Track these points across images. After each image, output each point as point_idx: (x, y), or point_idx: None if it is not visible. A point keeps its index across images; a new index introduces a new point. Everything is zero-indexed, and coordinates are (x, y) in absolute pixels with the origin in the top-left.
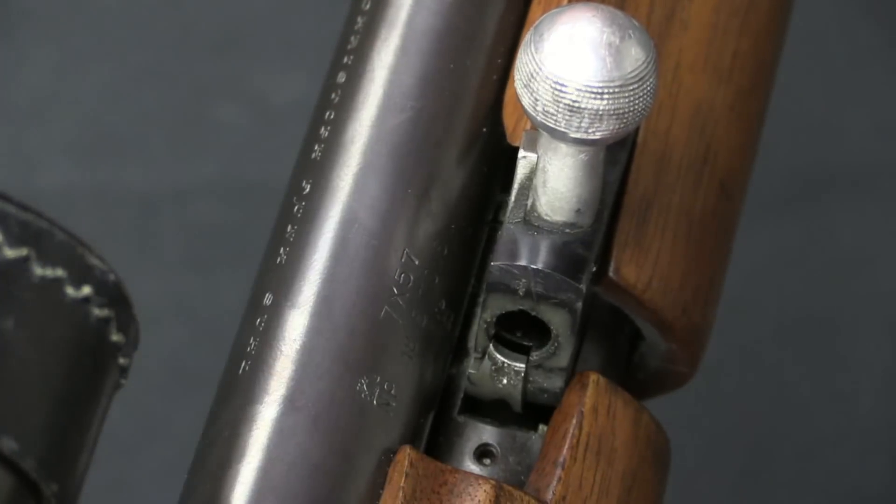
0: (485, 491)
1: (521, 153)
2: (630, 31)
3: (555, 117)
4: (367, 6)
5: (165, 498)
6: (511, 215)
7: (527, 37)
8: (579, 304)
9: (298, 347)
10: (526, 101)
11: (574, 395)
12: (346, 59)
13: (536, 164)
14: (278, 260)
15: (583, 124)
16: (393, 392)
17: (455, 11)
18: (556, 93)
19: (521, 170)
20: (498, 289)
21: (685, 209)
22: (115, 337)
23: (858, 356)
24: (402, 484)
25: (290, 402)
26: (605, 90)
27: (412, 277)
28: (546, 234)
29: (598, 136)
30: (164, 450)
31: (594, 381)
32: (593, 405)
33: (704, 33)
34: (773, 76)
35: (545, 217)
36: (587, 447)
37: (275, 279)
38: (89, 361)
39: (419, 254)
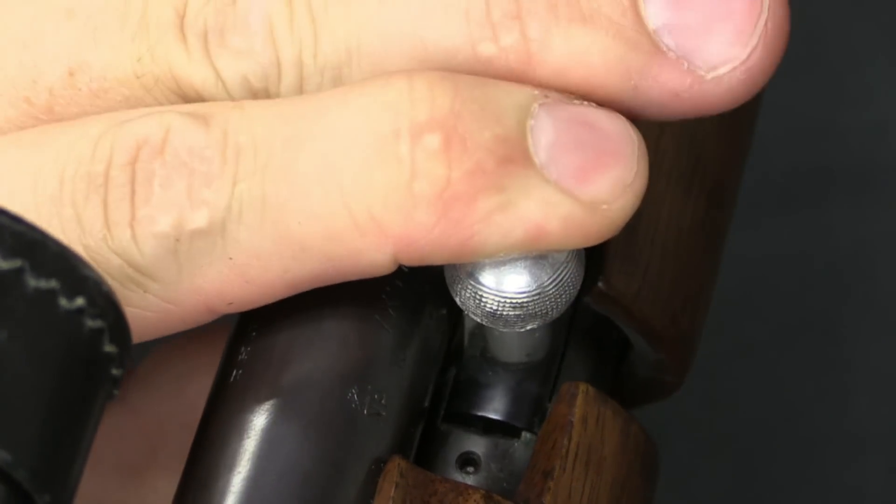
0: (475, 501)
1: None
2: None
3: (479, 317)
4: None
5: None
6: (467, 355)
7: None
8: (536, 430)
9: (289, 357)
10: (453, 296)
11: (563, 405)
12: None
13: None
14: None
15: (507, 324)
16: (383, 401)
17: None
18: (477, 300)
19: (468, 323)
20: (459, 427)
21: (675, 219)
22: (108, 348)
23: (856, 357)
24: (392, 494)
25: (281, 412)
26: (525, 299)
27: (403, 287)
28: (501, 373)
29: (524, 329)
30: None
31: (583, 391)
32: (583, 415)
33: None
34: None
35: (499, 359)
36: (576, 457)
37: None
38: (82, 372)
39: None
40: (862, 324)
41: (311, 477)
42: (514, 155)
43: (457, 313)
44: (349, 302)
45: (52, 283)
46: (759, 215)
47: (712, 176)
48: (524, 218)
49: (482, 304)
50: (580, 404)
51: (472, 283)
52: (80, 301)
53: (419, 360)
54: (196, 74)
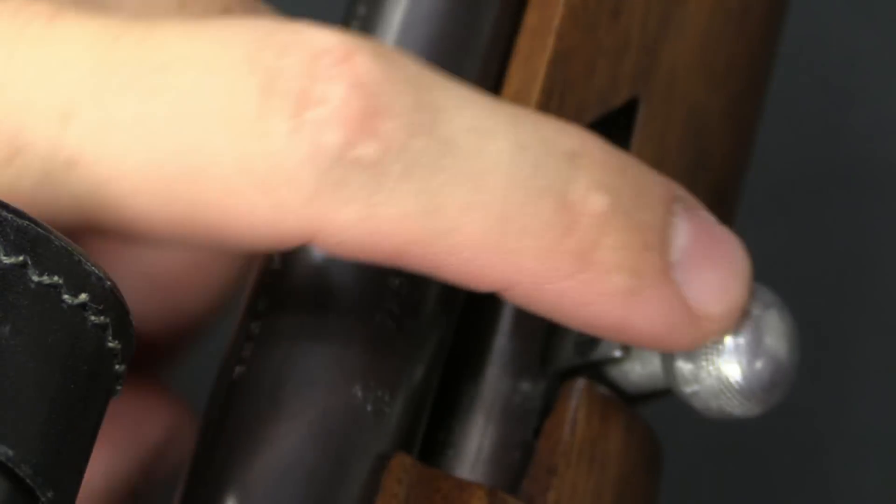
0: (479, 498)
1: None
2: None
3: (708, 412)
4: (362, 11)
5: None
6: None
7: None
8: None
9: (293, 353)
10: (677, 394)
11: (566, 401)
12: None
13: None
14: (273, 265)
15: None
16: (388, 398)
17: (449, 17)
18: (719, 399)
19: None
20: None
21: None
22: (112, 343)
23: (856, 357)
24: (395, 491)
25: (284, 408)
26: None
27: (407, 283)
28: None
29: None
30: None
31: (587, 387)
32: (586, 412)
33: (699, 38)
34: (767, 81)
35: None
36: (580, 454)
37: (270, 284)
38: (86, 368)
39: None
40: (862, 324)
41: (314, 473)
42: (655, 244)
43: (459, 310)
44: (354, 298)
45: (56, 279)
46: (759, 215)
47: (717, 171)
48: (645, 311)
49: (726, 408)
50: (583, 401)
51: (721, 383)
52: (83, 296)
53: (424, 355)
54: None
